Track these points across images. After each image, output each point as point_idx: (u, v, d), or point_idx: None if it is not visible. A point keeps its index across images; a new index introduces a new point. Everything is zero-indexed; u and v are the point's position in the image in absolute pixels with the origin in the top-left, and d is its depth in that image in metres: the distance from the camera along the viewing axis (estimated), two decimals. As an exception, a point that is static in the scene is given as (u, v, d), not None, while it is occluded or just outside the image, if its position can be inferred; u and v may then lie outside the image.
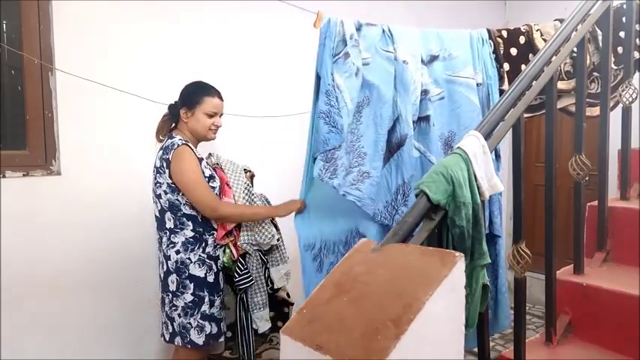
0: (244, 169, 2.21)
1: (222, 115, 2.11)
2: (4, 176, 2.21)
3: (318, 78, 1.87)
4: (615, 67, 2.15)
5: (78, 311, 2.42)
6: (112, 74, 2.40)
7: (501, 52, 2.13)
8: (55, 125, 2.32)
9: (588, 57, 2.05)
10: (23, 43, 2.24)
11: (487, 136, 1.37)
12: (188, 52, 2.64)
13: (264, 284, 2.15)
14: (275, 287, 2.20)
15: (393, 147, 1.92)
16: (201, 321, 1.99)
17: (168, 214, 1.99)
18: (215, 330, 2.04)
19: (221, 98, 2.08)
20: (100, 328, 2.49)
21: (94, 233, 2.43)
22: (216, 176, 2.07)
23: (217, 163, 2.18)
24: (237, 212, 2.04)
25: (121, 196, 2.46)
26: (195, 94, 2.04)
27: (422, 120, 1.98)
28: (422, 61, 1.99)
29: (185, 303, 1.98)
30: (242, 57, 2.82)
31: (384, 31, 1.96)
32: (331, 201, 1.97)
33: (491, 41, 2.11)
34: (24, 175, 2.26)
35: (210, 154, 2.24)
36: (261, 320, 2.13)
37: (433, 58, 2.02)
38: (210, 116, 2.03)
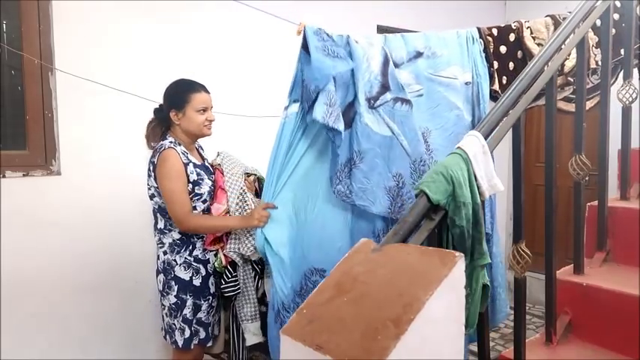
0: (247, 173, 2.16)
1: (212, 108, 2.06)
2: (4, 176, 2.21)
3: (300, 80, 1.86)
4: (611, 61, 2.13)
5: (78, 311, 2.42)
6: (112, 74, 2.40)
7: (491, 50, 2.12)
8: (55, 125, 2.32)
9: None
10: (23, 43, 2.24)
11: (487, 136, 1.37)
12: (189, 52, 2.64)
13: (255, 295, 2.08)
14: (267, 300, 2.09)
15: (349, 121, 1.90)
16: (182, 324, 1.97)
17: (158, 215, 2.00)
18: (203, 335, 2.01)
19: (207, 92, 2.02)
20: (100, 328, 2.49)
21: (94, 233, 2.44)
22: (205, 181, 2.00)
23: (219, 164, 2.13)
24: (206, 225, 1.96)
25: (121, 196, 2.46)
26: (182, 93, 1.99)
27: (401, 101, 1.94)
28: (397, 58, 1.97)
29: (170, 304, 1.98)
30: (243, 56, 2.82)
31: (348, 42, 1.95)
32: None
33: (481, 40, 2.11)
34: (24, 175, 2.26)
35: (218, 152, 2.21)
36: (249, 333, 2.08)
37: (418, 55, 2.02)
38: (202, 112, 1.99)
